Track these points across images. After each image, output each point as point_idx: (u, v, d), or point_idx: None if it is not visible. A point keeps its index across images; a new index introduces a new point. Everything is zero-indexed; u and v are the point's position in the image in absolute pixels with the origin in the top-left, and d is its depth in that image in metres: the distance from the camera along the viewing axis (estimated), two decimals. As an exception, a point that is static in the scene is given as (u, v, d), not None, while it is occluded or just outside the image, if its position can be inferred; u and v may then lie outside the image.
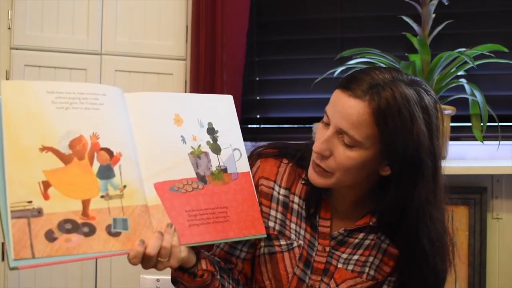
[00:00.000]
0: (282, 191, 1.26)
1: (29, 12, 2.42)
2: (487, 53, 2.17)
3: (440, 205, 1.15)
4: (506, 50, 2.15)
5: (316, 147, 1.13)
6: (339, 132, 1.10)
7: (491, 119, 2.16)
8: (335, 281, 1.22)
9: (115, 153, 1.03)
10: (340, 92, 1.10)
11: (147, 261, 1.02)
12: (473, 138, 2.25)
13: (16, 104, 0.96)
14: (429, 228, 1.13)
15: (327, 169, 1.13)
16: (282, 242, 1.24)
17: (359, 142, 1.08)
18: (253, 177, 1.24)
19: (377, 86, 1.06)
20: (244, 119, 2.62)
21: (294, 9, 2.65)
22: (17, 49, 2.41)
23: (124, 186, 1.02)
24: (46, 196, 0.94)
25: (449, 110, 2.21)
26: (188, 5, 2.57)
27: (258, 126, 2.71)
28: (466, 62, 2.15)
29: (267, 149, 1.31)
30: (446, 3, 2.31)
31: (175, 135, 1.13)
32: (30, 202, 0.92)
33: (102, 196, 0.99)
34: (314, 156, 1.15)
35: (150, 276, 2.37)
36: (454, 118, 2.28)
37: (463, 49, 2.21)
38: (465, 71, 2.27)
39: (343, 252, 1.23)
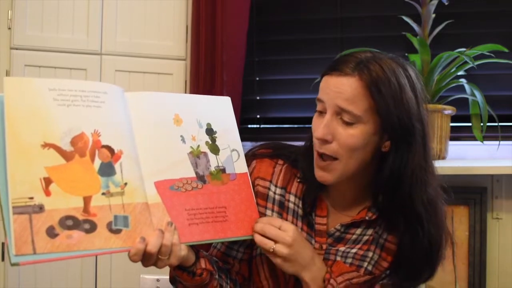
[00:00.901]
0: (278, 191, 1.26)
1: (29, 12, 2.42)
2: (487, 53, 2.18)
3: (430, 170, 1.18)
4: (506, 50, 2.15)
5: (317, 133, 1.14)
6: (337, 113, 1.12)
7: (491, 119, 2.16)
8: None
9: (116, 151, 1.03)
10: (328, 76, 1.14)
11: (148, 259, 1.02)
12: (473, 138, 2.26)
13: (18, 101, 0.96)
14: (422, 192, 1.16)
15: (332, 154, 1.13)
16: None
17: (358, 116, 1.10)
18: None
19: (363, 62, 1.12)
20: (244, 119, 2.62)
21: (294, 9, 2.65)
22: (17, 49, 2.42)
23: (125, 184, 1.02)
24: (47, 193, 0.94)
25: (449, 110, 2.21)
26: (188, 5, 2.58)
27: (258, 126, 2.71)
28: (466, 62, 2.16)
29: (262, 150, 1.31)
30: (446, 3, 2.32)
31: (175, 134, 1.13)
32: (32, 198, 0.92)
33: (103, 193, 0.99)
34: (316, 146, 1.16)
35: (150, 276, 2.37)
36: (454, 118, 2.28)
37: (463, 49, 2.22)
38: (465, 71, 2.28)
39: (340, 247, 1.24)
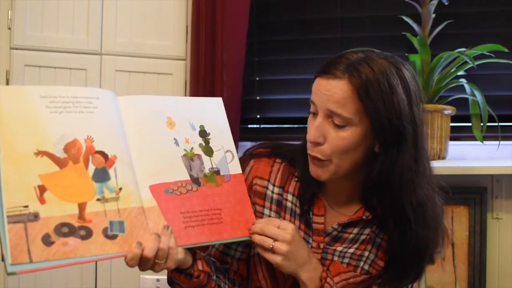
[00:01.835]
0: (276, 190, 1.27)
1: (29, 12, 2.42)
2: (487, 53, 2.17)
3: (422, 172, 1.18)
4: (506, 50, 2.14)
5: (309, 135, 1.15)
6: (328, 116, 1.13)
7: (491, 119, 2.16)
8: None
9: (110, 156, 1.03)
10: (320, 79, 1.15)
11: (145, 263, 1.03)
12: (473, 138, 2.25)
13: (10, 109, 0.96)
14: (411, 194, 1.16)
15: (324, 157, 1.14)
16: None
17: (348, 119, 1.11)
18: (247, 177, 1.26)
19: (353, 64, 1.12)
20: (244, 119, 2.61)
21: (294, 9, 2.64)
22: (17, 49, 2.41)
23: (120, 189, 1.02)
24: (42, 200, 0.94)
25: (449, 110, 2.21)
26: (188, 5, 2.57)
27: (258, 126, 2.70)
28: (466, 62, 2.15)
29: (260, 149, 1.32)
30: (446, 3, 2.31)
31: (168, 138, 1.13)
32: (26, 206, 0.92)
33: (98, 199, 1.00)
34: (309, 149, 1.17)
35: (150, 276, 2.38)
36: (454, 118, 2.28)
37: (463, 49, 2.21)
38: (465, 71, 2.27)
39: (338, 247, 1.24)
